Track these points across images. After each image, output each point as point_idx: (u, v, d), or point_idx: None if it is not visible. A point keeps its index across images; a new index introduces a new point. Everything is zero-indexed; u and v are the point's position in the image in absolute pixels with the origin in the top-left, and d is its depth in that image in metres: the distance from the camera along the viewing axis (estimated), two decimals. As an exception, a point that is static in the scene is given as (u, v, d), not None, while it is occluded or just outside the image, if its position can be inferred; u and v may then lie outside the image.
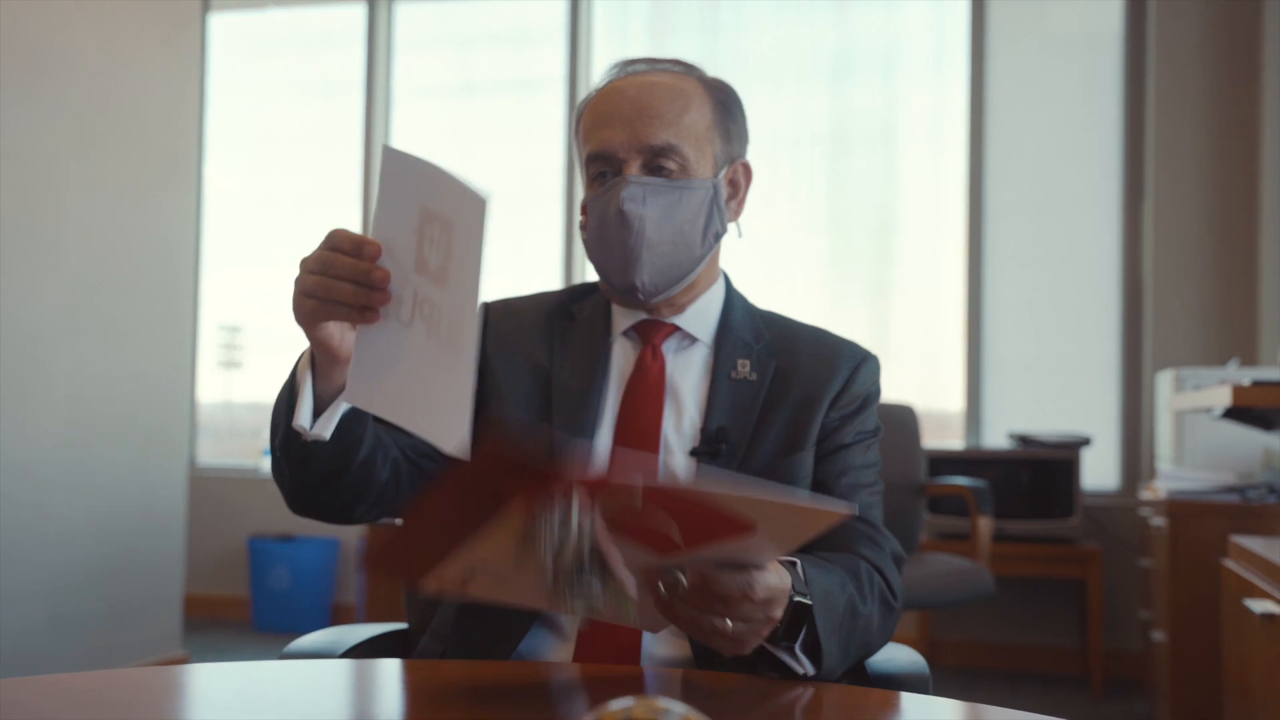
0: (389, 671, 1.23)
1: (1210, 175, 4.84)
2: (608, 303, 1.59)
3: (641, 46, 5.65)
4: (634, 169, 1.46)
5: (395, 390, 1.13)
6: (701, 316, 1.56)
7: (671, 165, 1.46)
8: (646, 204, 1.44)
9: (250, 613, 5.62)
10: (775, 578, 1.13)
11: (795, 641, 1.22)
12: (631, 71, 1.52)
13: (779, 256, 5.38)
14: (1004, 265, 5.21)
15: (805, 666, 1.23)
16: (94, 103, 4.11)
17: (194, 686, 1.22)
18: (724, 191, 1.52)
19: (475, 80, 5.95)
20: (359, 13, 5.99)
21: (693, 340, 1.55)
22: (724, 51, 5.58)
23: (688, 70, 1.54)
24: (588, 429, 1.47)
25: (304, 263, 1.19)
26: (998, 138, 5.23)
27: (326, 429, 1.27)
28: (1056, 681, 4.77)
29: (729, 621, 1.11)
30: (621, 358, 1.54)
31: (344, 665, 1.28)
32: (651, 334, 1.54)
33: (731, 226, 1.57)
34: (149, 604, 4.39)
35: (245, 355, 6.22)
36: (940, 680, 4.60)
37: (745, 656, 1.19)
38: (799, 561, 1.24)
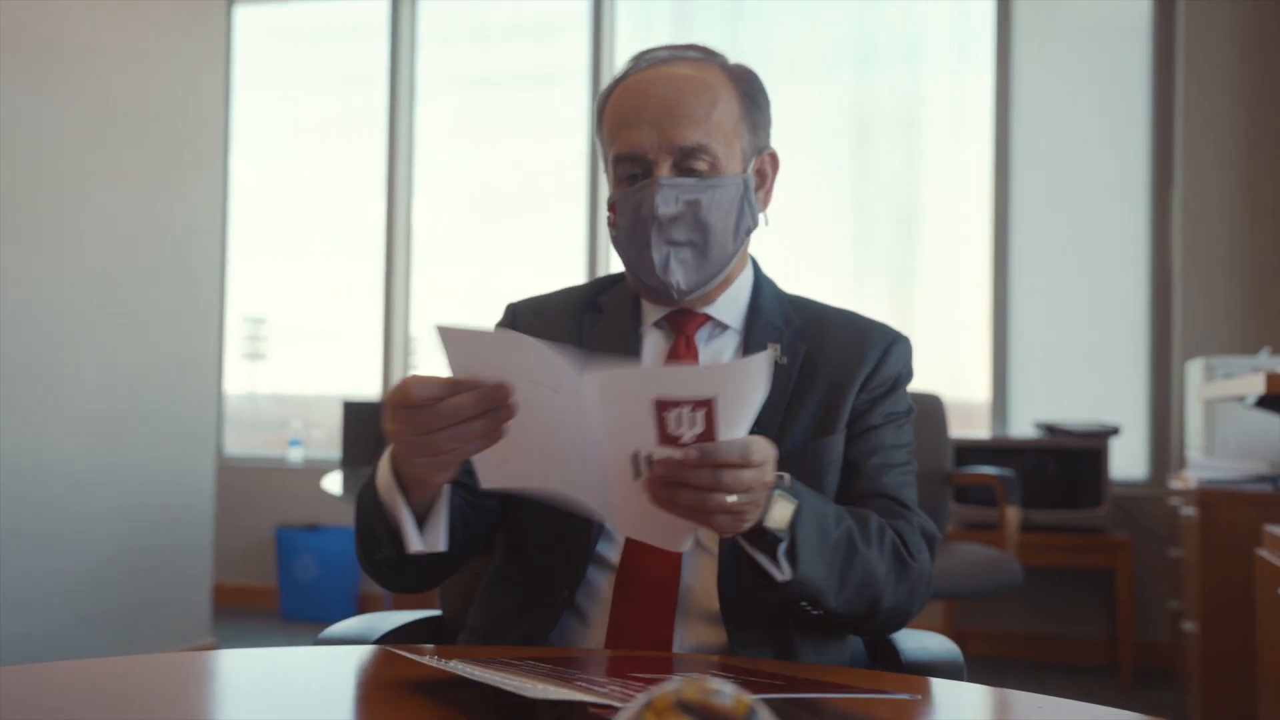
0: (421, 656, 1.23)
1: (1240, 162, 4.79)
2: (635, 293, 1.58)
3: (664, 38, 5.57)
4: (664, 170, 1.44)
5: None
6: (732, 303, 1.55)
7: (702, 165, 1.45)
8: (679, 205, 1.44)
9: (278, 602, 5.64)
10: (764, 442, 1.15)
11: (780, 539, 1.23)
12: (652, 62, 1.49)
13: (803, 245, 5.36)
14: (1030, 253, 5.17)
15: (784, 570, 1.24)
16: (119, 96, 4.12)
17: (224, 671, 1.22)
18: (753, 184, 1.51)
19: (498, 72, 5.95)
20: (383, 6, 5.99)
21: (724, 328, 1.54)
22: (747, 41, 5.55)
23: (709, 57, 1.51)
24: None
25: (403, 430, 1.18)
26: (1024, 125, 5.19)
27: (439, 540, 1.27)
28: (1085, 671, 4.74)
29: (734, 496, 1.13)
30: (653, 349, 1.54)
31: (377, 651, 1.28)
32: (684, 324, 1.53)
33: (760, 216, 1.55)
34: (178, 594, 4.42)
35: (269, 346, 6.24)
36: (968, 670, 4.58)
37: (767, 603, 1.23)
38: (787, 475, 1.26)
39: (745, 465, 1.13)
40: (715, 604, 1.38)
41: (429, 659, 1.11)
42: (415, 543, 1.26)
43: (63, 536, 3.86)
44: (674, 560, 1.40)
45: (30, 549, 3.73)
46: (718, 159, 1.45)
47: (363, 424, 4.39)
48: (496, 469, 1.19)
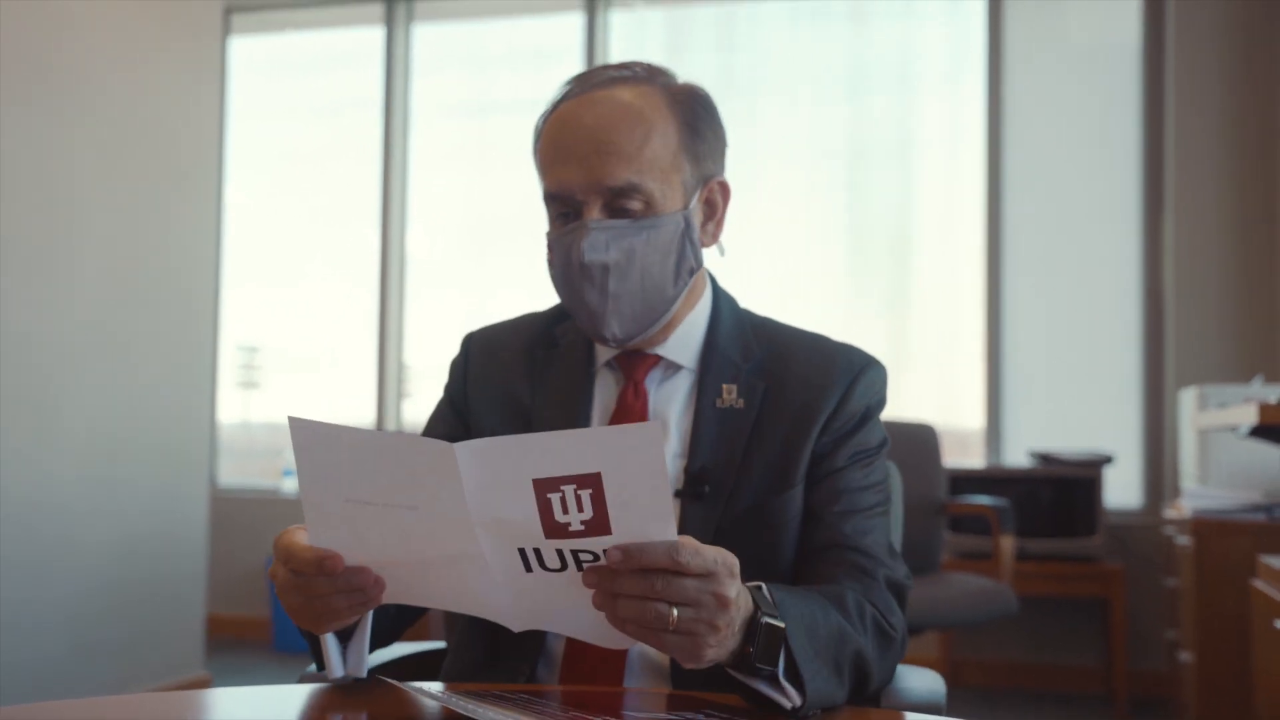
0: (413, 692, 1.22)
1: (1232, 187, 4.81)
2: None
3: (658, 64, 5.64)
4: (595, 212, 1.34)
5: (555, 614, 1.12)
6: (685, 341, 1.44)
7: (635, 205, 1.34)
8: (610, 251, 1.34)
9: (271, 633, 5.61)
10: (714, 552, 1.04)
11: (775, 667, 1.10)
12: (588, 86, 1.39)
13: (795, 270, 5.36)
14: (1023, 279, 5.18)
15: (791, 697, 1.11)
16: (116, 123, 4.13)
17: (213, 712, 1.21)
18: (696, 220, 1.40)
19: (492, 100, 5.97)
20: (377, 34, 6.02)
21: (677, 368, 1.44)
22: (741, 67, 5.58)
23: (650, 78, 1.41)
24: None
25: (279, 584, 1.13)
26: (1015, 150, 5.21)
27: (361, 666, 1.24)
28: (1080, 701, 4.73)
29: (674, 611, 1.01)
30: (604, 393, 1.45)
31: (367, 686, 1.27)
32: (633, 368, 1.44)
33: (714, 248, 1.46)
34: (171, 626, 4.39)
35: (263, 375, 6.23)
36: (963, 700, 4.58)
37: (725, 676, 1.13)
38: (765, 585, 1.14)
39: (679, 572, 1.01)
40: (665, 661, 1.32)
41: (424, 694, 1.10)
42: (337, 669, 1.22)
43: (55, 566, 3.84)
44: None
45: (22, 579, 3.71)
46: (652, 197, 1.35)
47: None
48: (393, 591, 1.12)
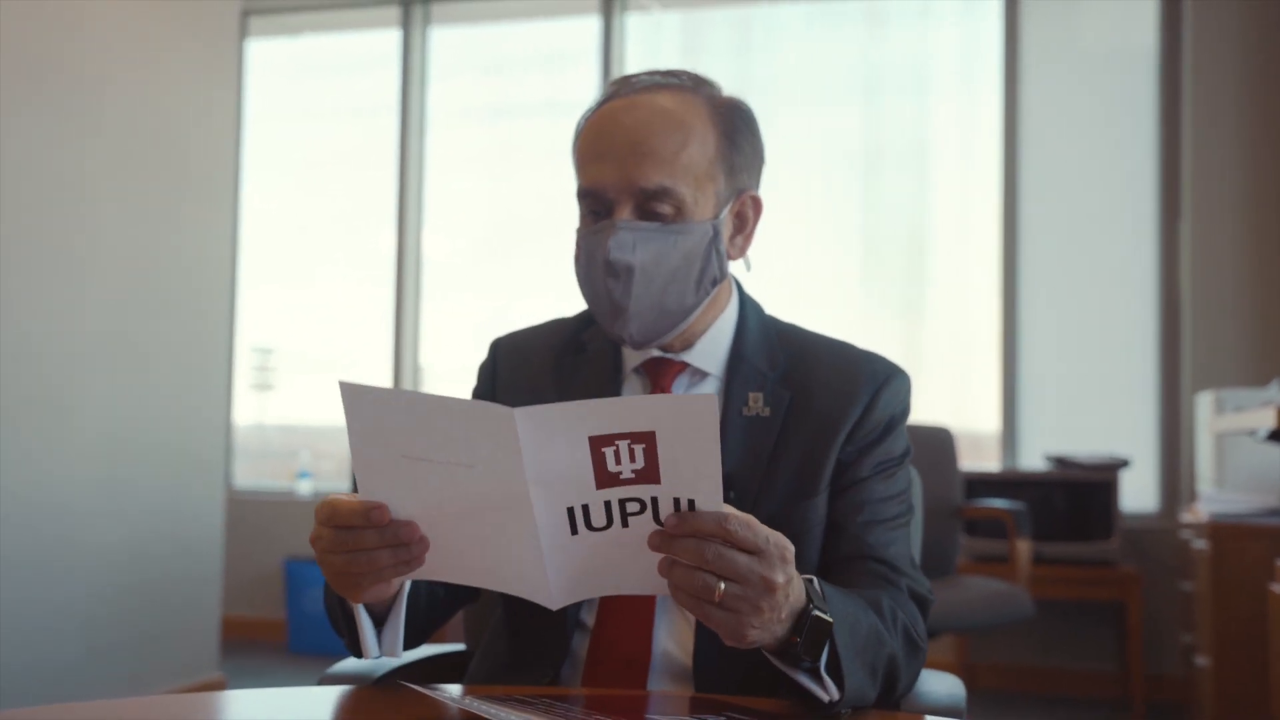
0: (434, 695, 1.22)
1: (1248, 192, 4.79)
2: None
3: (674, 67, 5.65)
4: (625, 212, 1.35)
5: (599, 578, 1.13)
6: (711, 348, 1.44)
7: (666, 209, 1.34)
8: (636, 252, 1.34)
9: (286, 635, 5.62)
10: (767, 532, 1.07)
11: (818, 661, 1.12)
12: (631, 89, 1.40)
13: (810, 273, 5.36)
14: (1039, 284, 5.17)
15: (830, 691, 1.13)
16: (133, 126, 4.14)
17: (228, 715, 1.22)
18: (725, 232, 1.40)
19: (509, 103, 5.97)
20: (394, 37, 6.03)
21: (703, 375, 1.44)
22: (756, 71, 5.58)
23: (695, 87, 1.41)
24: None
25: (321, 546, 1.14)
26: (1031, 155, 5.20)
27: (396, 646, 1.25)
28: (1096, 705, 4.71)
29: (720, 584, 1.03)
30: None
31: (386, 690, 1.27)
32: (660, 374, 1.44)
33: (739, 262, 1.46)
34: (186, 628, 4.41)
35: (278, 377, 6.25)
36: (978, 704, 4.57)
37: (748, 679, 1.13)
38: (816, 579, 1.16)
39: (730, 543, 1.04)
40: (689, 663, 1.33)
41: (445, 697, 1.10)
42: (372, 650, 1.24)
43: (71, 569, 3.86)
44: (646, 629, 1.34)
45: (38, 581, 3.72)
46: (684, 203, 1.35)
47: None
48: (433, 564, 1.13)
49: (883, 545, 1.36)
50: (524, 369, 1.51)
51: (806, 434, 1.38)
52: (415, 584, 1.33)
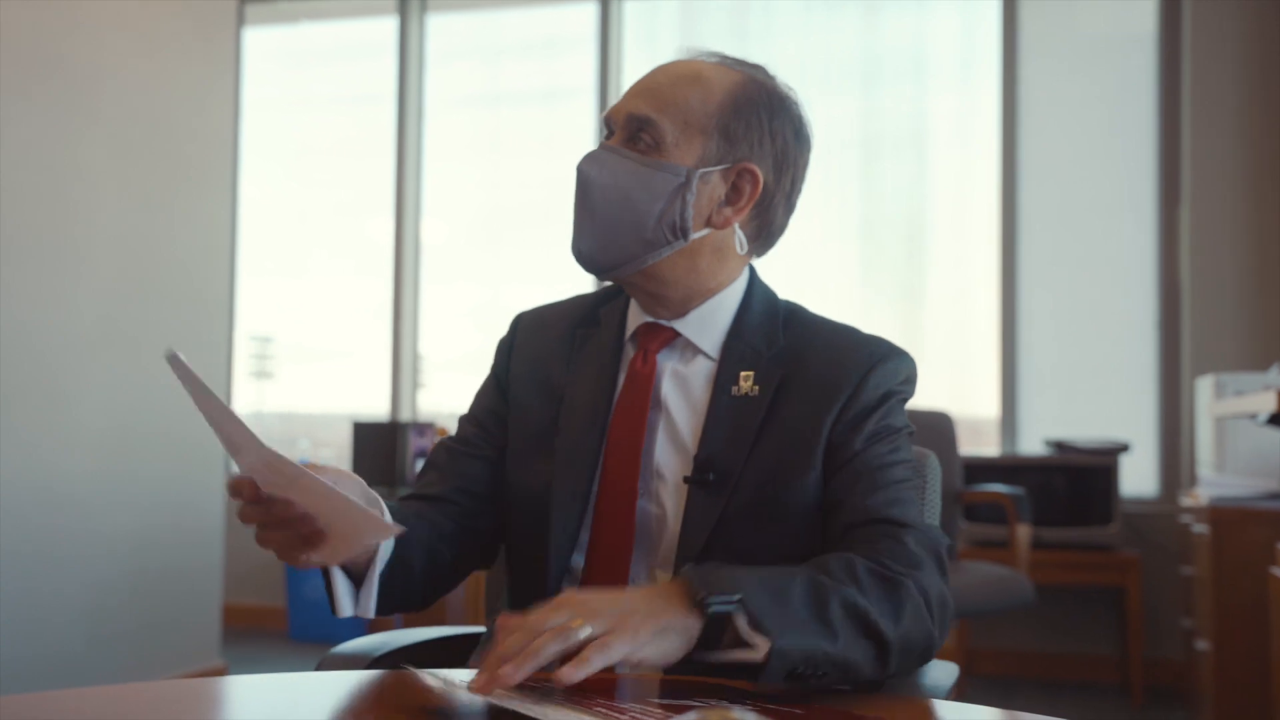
0: (429, 678, 1.22)
1: (1247, 177, 4.78)
2: (629, 300, 1.51)
3: (671, 55, 5.64)
4: (616, 138, 1.41)
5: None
6: (707, 323, 1.44)
7: (645, 139, 1.39)
8: (601, 170, 1.39)
9: (286, 622, 5.63)
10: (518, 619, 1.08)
11: (727, 604, 1.10)
12: (688, 55, 1.48)
13: (809, 260, 5.35)
14: (1038, 270, 5.16)
15: (758, 649, 1.09)
16: (129, 116, 4.13)
17: (230, 701, 1.22)
18: (699, 188, 1.38)
19: (506, 90, 5.97)
20: (390, 25, 6.02)
21: (696, 351, 1.44)
22: (753, 57, 5.53)
23: (738, 65, 1.46)
24: (589, 456, 1.41)
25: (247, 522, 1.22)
26: (1030, 141, 5.19)
27: (369, 606, 1.29)
28: (1096, 690, 4.72)
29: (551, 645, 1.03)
30: (627, 365, 1.47)
31: (385, 675, 1.27)
32: (649, 339, 1.45)
33: (734, 240, 1.43)
34: (187, 615, 4.41)
35: (277, 365, 6.25)
36: (978, 689, 4.57)
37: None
38: (692, 566, 1.19)
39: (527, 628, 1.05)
40: None
41: (440, 681, 1.10)
42: (346, 608, 1.28)
43: (72, 558, 3.86)
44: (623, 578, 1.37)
45: (40, 571, 3.73)
46: (663, 140, 1.38)
47: (372, 444, 4.39)
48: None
49: (883, 506, 1.32)
50: (539, 343, 1.53)
51: (795, 412, 1.37)
52: (410, 545, 1.36)
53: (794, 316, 1.47)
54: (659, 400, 1.42)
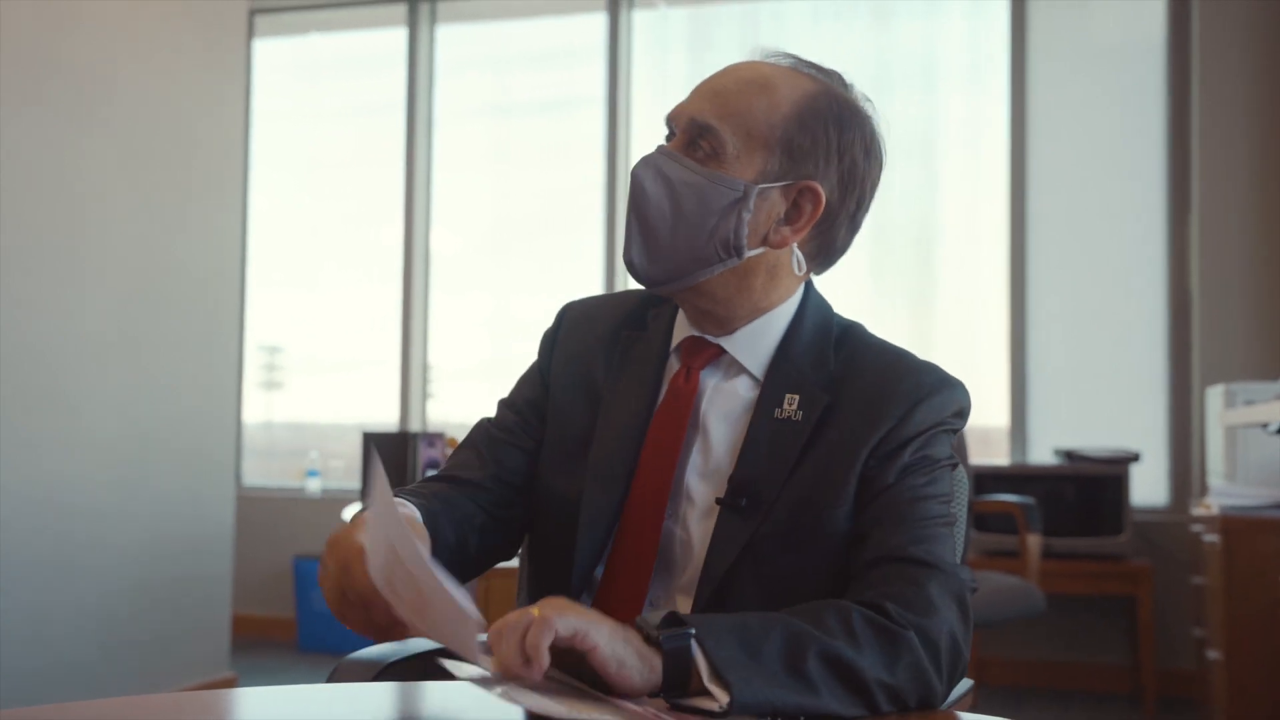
0: (435, 690, 1.22)
1: (1257, 184, 4.77)
2: (676, 309, 1.44)
3: (680, 65, 5.66)
4: (677, 143, 1.34)
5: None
6: (755, 342, 1.38)
7: (704, 147, 1.32)
8: (656, 177, 1.32)
9: (296, 633, 5.63)
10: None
11: (681, 641, 1.06)
12: (761, 56, 1.40)
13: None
14: (1047, 277, 5.15)
15: (718, 700, 1.03)
16: (141, 126, 4.15)
17: (240, 712, 1.22)
18: (758, 205, 1.32)
19: (515, 101, 5.98)
20: (400, 36, 6.03)
21: (740, 370, 1.38)
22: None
23: (815, 74, 1.38)
24: (621, 469, 1.37)
25: (328, 584, 1.17)
26: (1039, 148, 5.19)
27: None
28: (1107, 700, 4.70)
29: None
30: (670, 379, 1.41)
31: (391, 686, 1.27)
32: (693, 354, 1.40)
33: (790, 259, 1.38)
34: (197, 626, 4.41)
35: (286, 375, 6.26)
36: (989, 699, 4.56)
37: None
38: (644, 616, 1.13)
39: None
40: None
41: (463, 675, 1.09)
42: None
43: (82, 568, 3.87)
44: (641, 598, 1.34)
45: (49, 581, 3.73)
46: (724, 151, 1.31)
47: (383, 455, 4.39)
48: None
49: (909, 544, 1.24)
50: (582, 339, 1.48)
51: (836, 441, 1.31)
52: (441, 535, 1.33)
53: (847, 338, 1.42)
54: (698, 420, 1.38)
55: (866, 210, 1.43)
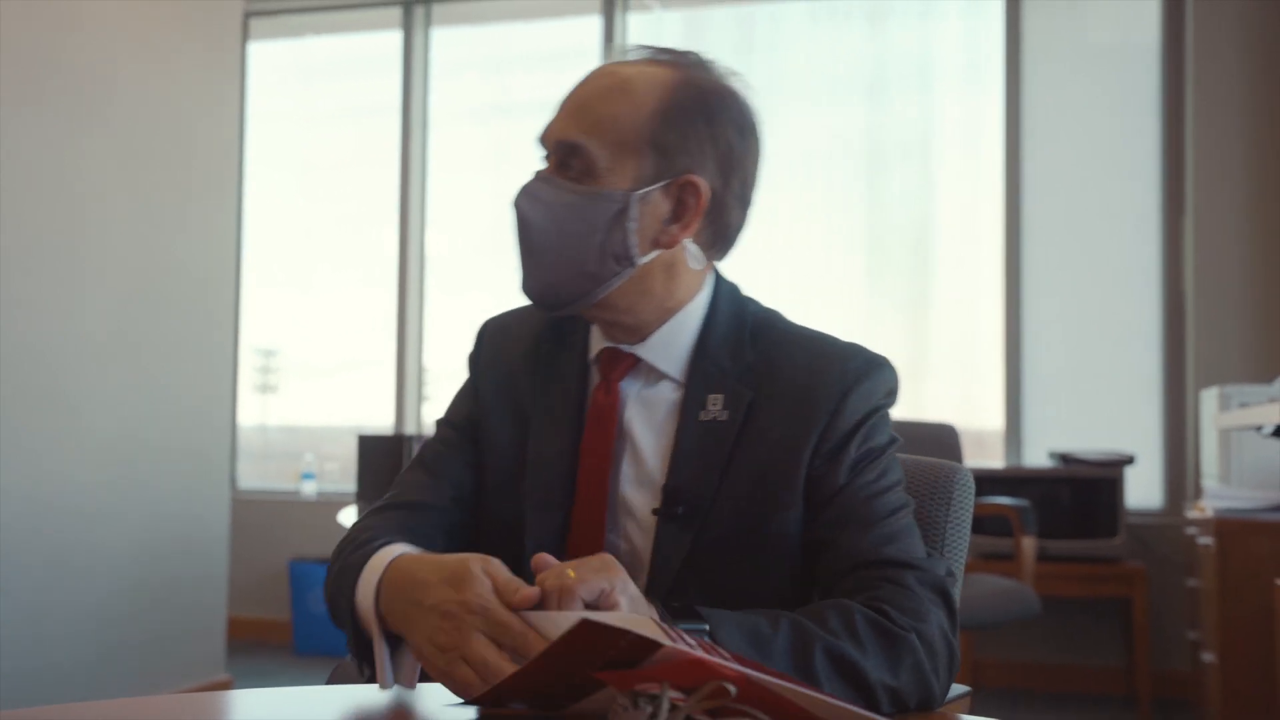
0: (433, 694, 1.22)
1: (1252, 186, 4.78)
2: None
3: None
4: (550, 166, 1.32)
5: None
6: (669, 344, 1.35)
7: (575, 166, 1.29)
8: (535, 205, 1.31)
9: (291, 636, 5.63)
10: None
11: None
12: (617, 60, 1.37)
13: (814, 270, 5.35)
14: (1043, 280, 5.16)
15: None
16: (136, 128, 4.15)
17: (235, 715, 1.22)
18: (640, 211, 1.29)
19: (510, 102, 5.98)
20: (395, 38, 6.03)
21: (660, 375, 1.35)
22: (759, 69, 5.57)
23: (676, 62, 1.35)
24: (559, 493, 1.34)
25: (453, 631, 1.09)
26: (1035, 151, 5.19)
27: (414, 678, 1.19)
28: (1102, 702, 4.71)
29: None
30: (592, 397, 1.38)
31: (389, 690, 1.27)
32: (610, 366, 1.36)
33: (686, 255, 1.34)
34: (193, 628, 4.41)
35: (281, 378, 6.25)
36: (984, 702, 4.56)
37: None
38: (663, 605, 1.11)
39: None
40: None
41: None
42: (388, 680, 1.19)
43: (77, 570, 3.86)
44: None
45: (44, 583, 3.73)
46: (594, 166, 1.28)
47: (378, 457, 4.38)
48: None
49: (879, 545, 1.24)
50: (505, 353, 1.46)
51: (769, 440, 1.29)
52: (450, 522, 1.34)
53: (763, 326, 1.38)
54: (624, 431, 1.34)
55: (754, 185, 1.39)
